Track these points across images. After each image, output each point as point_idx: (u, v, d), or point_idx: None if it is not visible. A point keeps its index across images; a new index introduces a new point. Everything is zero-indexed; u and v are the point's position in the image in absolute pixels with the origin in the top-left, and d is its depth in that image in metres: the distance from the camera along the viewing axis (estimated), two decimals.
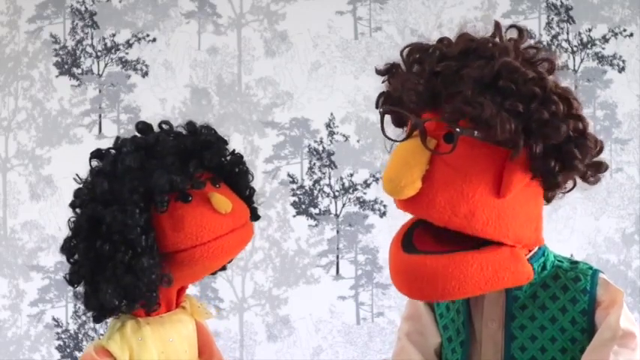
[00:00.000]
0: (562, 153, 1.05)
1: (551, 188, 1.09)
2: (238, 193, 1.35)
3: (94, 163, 1.32)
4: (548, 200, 1.16)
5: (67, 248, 1.28)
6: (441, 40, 1.14)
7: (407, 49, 1.15)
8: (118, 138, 1.34)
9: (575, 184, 1.13)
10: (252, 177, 1.39)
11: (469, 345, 1.18)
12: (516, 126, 1.02)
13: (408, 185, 1.04)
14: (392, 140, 1.14)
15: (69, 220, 1.29)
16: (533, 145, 1.03)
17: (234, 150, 1.38)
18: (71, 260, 1.28)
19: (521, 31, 1.12)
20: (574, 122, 1.05)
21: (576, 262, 1.18)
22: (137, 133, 1.34)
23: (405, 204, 1.08)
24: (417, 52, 1.14)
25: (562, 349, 1.12)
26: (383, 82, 1.19)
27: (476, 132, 1.05)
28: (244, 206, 1.34)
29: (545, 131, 1.03)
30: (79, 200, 1.29)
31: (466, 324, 1.19)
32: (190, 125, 1.35)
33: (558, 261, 1.18)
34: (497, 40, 1.12)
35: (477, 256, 1.06)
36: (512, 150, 1.04)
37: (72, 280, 1.28)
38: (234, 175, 1.35)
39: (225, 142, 1.36)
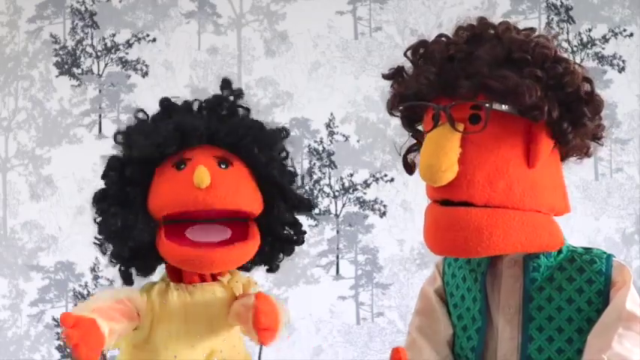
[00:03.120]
0: (573, 114, 1.09)
1: (566, 147, 1.13)
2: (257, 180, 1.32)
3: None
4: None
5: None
6: (440, 36, 1.17)
7: (411, 48, 1.19)
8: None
9: (588, 150, 1.18)
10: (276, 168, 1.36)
11: (485, 331, 1.20)
12: (540, 91, 1.07)
13: (448, 169, 1.07)
14: (424, 132, 1.16)
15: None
16: (551, 110, 1.07)
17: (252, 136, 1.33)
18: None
19: (507, 22, 1.18)
20: (583, 84, 1.11)
21: (590, 248, 1.22)
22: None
23: (443, 190, 1.10)
24: (421, 47, 1.17)
25: (579, 329, 1.14)
26: (391, 86, 1.22)
27: (504, 105, 1.09)
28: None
29: (563, 82, 1.08)
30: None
31: (483, 311, 1.20)
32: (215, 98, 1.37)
33: (572, 247, 1.22)
34: (494, 23, 1.17)
35: (518, 213, 1.10)
36: (537, 115, 1.07)
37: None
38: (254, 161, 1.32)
39: (250, 126, 1.34)
